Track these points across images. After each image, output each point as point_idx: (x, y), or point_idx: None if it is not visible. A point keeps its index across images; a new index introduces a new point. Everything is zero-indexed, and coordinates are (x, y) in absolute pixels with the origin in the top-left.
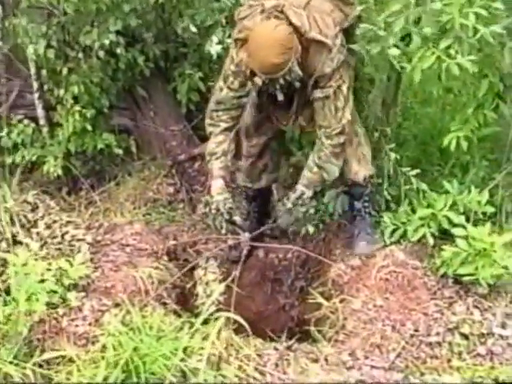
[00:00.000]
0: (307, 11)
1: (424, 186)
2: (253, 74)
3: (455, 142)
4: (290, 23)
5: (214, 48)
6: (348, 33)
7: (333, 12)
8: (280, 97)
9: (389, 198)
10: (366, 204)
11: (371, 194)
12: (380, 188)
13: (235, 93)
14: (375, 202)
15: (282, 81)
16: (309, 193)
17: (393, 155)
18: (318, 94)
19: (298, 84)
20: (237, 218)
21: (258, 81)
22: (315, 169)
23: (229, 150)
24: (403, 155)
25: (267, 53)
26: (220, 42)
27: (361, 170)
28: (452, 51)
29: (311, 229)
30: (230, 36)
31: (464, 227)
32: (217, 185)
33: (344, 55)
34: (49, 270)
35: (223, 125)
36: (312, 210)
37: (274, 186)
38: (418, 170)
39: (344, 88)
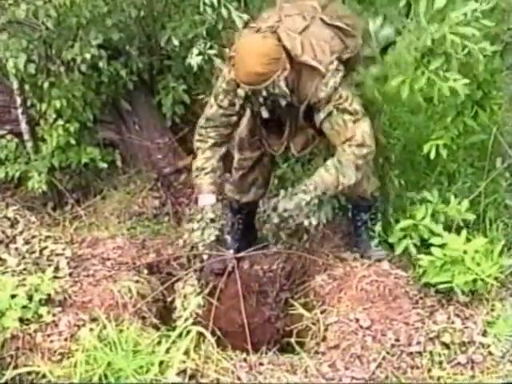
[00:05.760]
0: (303, 36)
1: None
2: (238, 86)
3: (435, 151)
4: (282, 45)
5: (194, 59)
6: (348, 64)
7: (333, 39)
8: (265, 114)
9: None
10: (373, 216)
11: (377, 206)
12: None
13: (224, 111)
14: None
15: (264, 93)
16: (316, 192)
17: (396, 181)
18: (321, 116)
19: (283, 102)
20: (227, 237)
21: (241, 92)
22: (333, 170)
23: (218, 166)
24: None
25: (251, 61)
26: (200, 53)
27: (369, 188)
28: (441, 72)
29: (314, 221)
30: (211, 47)
31: (441, 236)
32: (209, 201)
33: (340, 77)
34: (23, 285)
35: (211, 141)
36: (315, 201)
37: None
38: (423, 195)
39: (347, 104)
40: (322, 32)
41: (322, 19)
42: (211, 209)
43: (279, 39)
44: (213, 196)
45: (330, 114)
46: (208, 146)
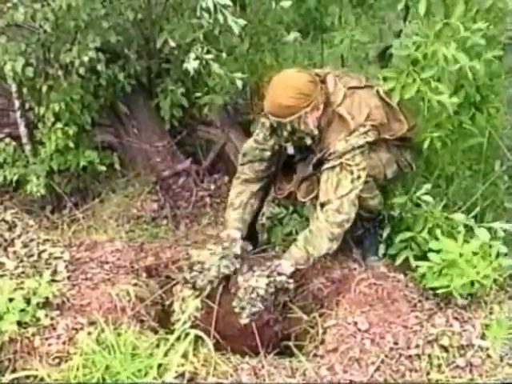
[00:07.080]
0: (349, 92)
1: None
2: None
3: (429, 143)
4: (326, 91)
5: (190, 64)
6: (386, 144)
7: (376, 109)
8: (290, 150)
9: None
10: (377, 224)
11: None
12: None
13: (258, 145)
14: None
15: (289, 128)
16: (287, 268)
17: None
18: (325, 166)
19: (309, 141)
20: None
21: (267, 123)
22: (301, 242)
23: (248, 203)
24: None
25: (278, 92)
26: (197, 58)
27: (374, 206)
28: (433, 82)
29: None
30: (208, 52)
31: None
32: (234, 235)
33: (364, 142)
34: (21, 288)
35: (244, 176)
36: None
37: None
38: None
39: (354, 168)
40: (370, 99)
41: (377, 91)
42: (232, 244)
43: (323, 82)
44: (237, 232)
45: (332, 167)
46: (240, 181)
